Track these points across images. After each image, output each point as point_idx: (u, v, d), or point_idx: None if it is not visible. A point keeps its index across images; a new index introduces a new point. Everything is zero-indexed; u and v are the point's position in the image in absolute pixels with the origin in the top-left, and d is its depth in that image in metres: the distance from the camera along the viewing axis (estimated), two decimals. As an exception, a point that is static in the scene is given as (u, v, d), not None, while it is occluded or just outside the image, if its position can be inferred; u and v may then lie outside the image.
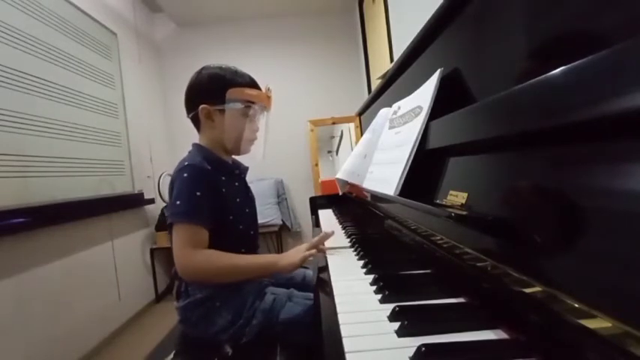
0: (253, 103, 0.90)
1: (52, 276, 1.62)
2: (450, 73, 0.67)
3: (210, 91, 0.88)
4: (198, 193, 0.79)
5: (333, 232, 0.87)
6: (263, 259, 0.84)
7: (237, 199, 0.91)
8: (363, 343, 0.39)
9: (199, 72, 0.91)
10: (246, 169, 1.01)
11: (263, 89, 0.93)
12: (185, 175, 0.81)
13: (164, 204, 2.63)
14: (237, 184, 0.94)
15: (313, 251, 0.83)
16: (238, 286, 0.83)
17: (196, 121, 0.92)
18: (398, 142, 0.75)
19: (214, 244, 0.80)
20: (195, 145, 0.93)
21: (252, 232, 0.95)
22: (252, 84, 0.91)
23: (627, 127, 0.27)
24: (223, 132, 0.90)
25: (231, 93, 0.87)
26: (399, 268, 0.63)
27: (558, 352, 0.31)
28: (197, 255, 0.77)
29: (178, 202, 0.78)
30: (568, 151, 0.33)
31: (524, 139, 0.39)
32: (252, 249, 0.94)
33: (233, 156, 0.99)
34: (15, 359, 1.39)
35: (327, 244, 0.85)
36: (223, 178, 0.89)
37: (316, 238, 0.85)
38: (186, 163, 0.83)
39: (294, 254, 0.83)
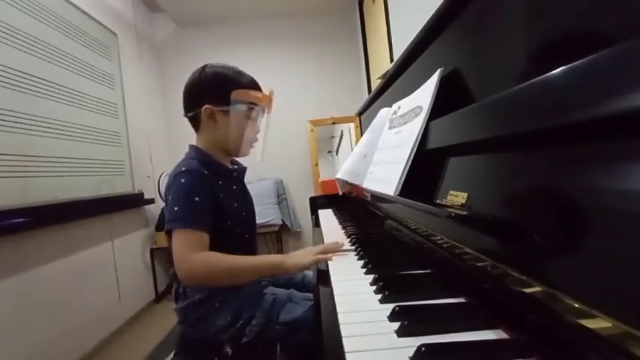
0: (256, 105, 0.90)
1: (52, 276, 1.62)
2: (450, 73, 0.67)
3: (214, 91, 0.86)
4: (196, 199, 0.78)
5: (343, 245, 0.82)
6: (268, 259, 0.82)
7: (235, 204, 0.89)
8: (363, 343, 0.39)
9: (202, 70, 0.88)
10: (245, 169, 1.00)
11: (265, 91, 0.92)
12: (182, 180, 0.79)
13: (164, 204, 2.64)
14: (234, 187, 0.93)
15: (324, 256, 0.77)
16: (237, 287, 0.83)
17: (195, 121, 0.90)
18: (398, 142, 0.75)
19: (210, 248, 0.79)
20: (191, 147, 0.91)
21: (247, 236, 0.93)
22: (255, 85, 0.91)
23: (627, 127, 0.27)
24: (226, 133, 0.88)
25: (236, 94, 0.86)
26: (399, 268, 0.63)
27: (558, 352, 0.31)
28: (198, 258, 0.74)
29: (176, 208, 0.76)
30: (568, 151, 0.33)
31: (524, 139, 0.39)
32: (250, 253, 0.92)
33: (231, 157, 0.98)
34: (15, 359, 1.38)
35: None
36: (220, 182, 0.87)
37: (329, 244, 0.81)
38: (183, 169, 0.81)
39: (303, 255, 0.80)
